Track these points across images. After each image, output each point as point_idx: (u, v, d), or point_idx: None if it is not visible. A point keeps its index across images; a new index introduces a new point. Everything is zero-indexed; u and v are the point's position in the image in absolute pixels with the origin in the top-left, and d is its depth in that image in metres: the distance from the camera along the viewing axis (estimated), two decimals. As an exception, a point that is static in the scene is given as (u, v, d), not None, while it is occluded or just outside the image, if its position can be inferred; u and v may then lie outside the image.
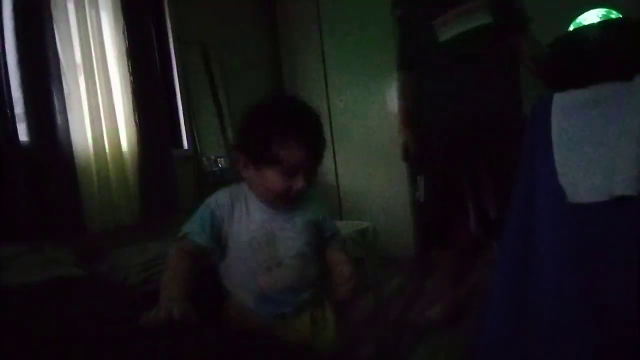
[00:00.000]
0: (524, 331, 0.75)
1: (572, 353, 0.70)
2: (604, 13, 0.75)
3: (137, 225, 1.93)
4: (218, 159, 2.40)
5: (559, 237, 0.73)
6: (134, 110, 1.98)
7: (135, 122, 1.98)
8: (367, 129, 2.74)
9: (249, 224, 0.77)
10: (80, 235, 1.66)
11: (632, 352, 0.69)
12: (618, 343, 0.70)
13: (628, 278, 0.69)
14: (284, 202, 0.76)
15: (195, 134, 2.39)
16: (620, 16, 0.76)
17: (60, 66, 1.73)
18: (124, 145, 1.95)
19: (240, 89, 2.78)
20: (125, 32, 1.98)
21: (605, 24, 0.72)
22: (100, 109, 1.85)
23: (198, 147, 2.38)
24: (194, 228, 0.77)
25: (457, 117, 1.46)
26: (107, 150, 1.86)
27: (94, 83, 1.85)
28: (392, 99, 2.64)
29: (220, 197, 0.80)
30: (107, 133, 1.87)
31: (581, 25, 0.73)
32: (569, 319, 0.72)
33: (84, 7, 1.84)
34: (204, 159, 2.36)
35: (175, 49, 2.35)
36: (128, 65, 1.98)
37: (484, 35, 1.34)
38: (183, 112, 2.35)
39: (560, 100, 0.73)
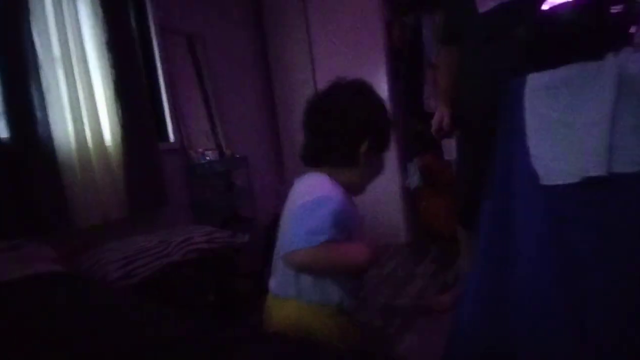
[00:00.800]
0: (500, 314, 0.75)
1: (547, 334, 0.71)
2: (577, -9, 0.74)
3: (125, 220, 1.92)
4: (206, 152, 2.37)
5: (534, 219, 0.72)
6: (116, 104, 1.94)
7: (118, 115, 1.95)
8: (356, 117, 2.72)
9: (357, 219, 0.78)
10: (65, 231, 1.65)
11: (607, 331, 0.70)
12: (593, 323, 0.70)
13: (601, 257, 0.69)
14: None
15: (182, 127, 2.36)
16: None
17: (38, 60, 1.68)
18: (108, 139, 1.93)
19: (227, 79, 2.74)
20: (105, 23, 1.93)
21: (577, 3, 0.70)
22: (81, 103, 1.82)
23: (185, 140, 2.35)
24: (332, 233, 0.69)
25: (495, 94, 1.35)
26: (90, 144, 1.83)
27: (74, 77, 1.81)
28: (380, 86, 2.63)
29: (337, 196, 0.73)
30: (90, 127, 1.84)
31: (554, 4, 0.72)
32: (544, 300, 0.72)
33: (60, -2, 1.79)
34: (191, 151, 2.34)
35: (158, 39, 2.30)
36: (109, 58, 1.94)
37: (529, 7, 1.23)
38: (168, 105, 2.32)
39: (533, 82, 0.72)
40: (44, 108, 1.67)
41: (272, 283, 0.80)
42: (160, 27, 2.31)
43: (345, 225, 0.71)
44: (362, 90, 0.81)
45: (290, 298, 0.74)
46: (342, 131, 0.74)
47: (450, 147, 2.48)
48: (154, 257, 1.16)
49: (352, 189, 0.79)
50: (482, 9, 1.34)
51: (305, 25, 2.79)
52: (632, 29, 0.68)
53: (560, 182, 0.69)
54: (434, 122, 1.65)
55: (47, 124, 1.68)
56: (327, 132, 0.75)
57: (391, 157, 2.67)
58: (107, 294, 0.89)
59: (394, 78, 2.66)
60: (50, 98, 1.70)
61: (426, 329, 1.57)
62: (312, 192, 0.72)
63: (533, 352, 0.71)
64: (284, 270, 0.74)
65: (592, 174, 0.65)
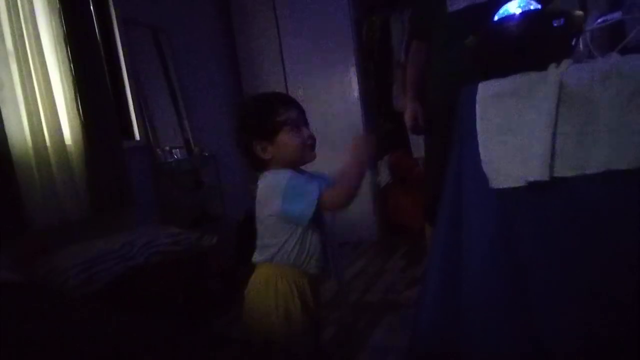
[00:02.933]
0: (455, 310, 0.80)
1: (496, 333, 0.76)
2: (524, 4, 0.78)
3: (87, 221, 1.86)
4: (173, 150, 2.32)
5: (483, 220, 0.77)
6: (76, 100, 1.87)
7: (79, 112, 1.87)
8: (326, 115, 2.73)
9: (317, 180, 0.89)
10: (20, 234, 1.57)
11: (552, 330, 0.75)
12: (539, 321, 0.75)
13: (544, 254, 0.74)
14: (308, 154, 0.90)
15: (148, 124, 2.29)
16: (539, 7, 0.79)
17: (-12, 54, 1.59)
18: (68, 137, 1.85)
19: (194, 75, 2.68)
20: (62, 15, 1.84)
21: (524, 16, 0.74)
22: (37, 100, 1.73)
23: (151, 138, 2.29)
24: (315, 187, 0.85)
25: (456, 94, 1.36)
26: (48, 143, 1.75)
27: (29, 72, 1.71)
28: (350, 85, 2.65)
29: (286, 174, 0.87)
30: (47, 125, 1.76)
31: (504, 15, 0.76)
32: (492, 295, 0.77)
33: (13, -13, 1.68)
34: (158, 149, 2.28)
35: (121, 32, 2.22)
36: (67, 52, 1.85)
37: (497, 7, 1.24)
38: (132, 101, 2.24)
39: (483, 90, 0.76)
40: (-5, 106, 1.59)
41: (254, 254, 0.92)
42: (123, 20, 2.23)
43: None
44: (243, 108, 0.94)
45: (266, 261, 0.88)
46: (242, 145, 0.90)
47: (418, 145, 2.55)
48: (116, 261, 1.13)
49: (296, 165, 0.91)
50: (453, 7, 1.37)
51: (274, 21, 2.77)
52: (573, 42, 0.73)
53: (507, 186, 0.74)
54: (408, 118, 1.67)
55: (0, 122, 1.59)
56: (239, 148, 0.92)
57: (362, 155, 2.71)
58: (64, 303, 0.86)
59: (364, 77, 2.69)
60: (3, 95, 1.62)
61: (394, 324, 1.61)
62: (277, 186, 0.85)
63: (483, 342, 0.76)
64: (262, 239, 0.89)
65: (536, 178, 0.70)
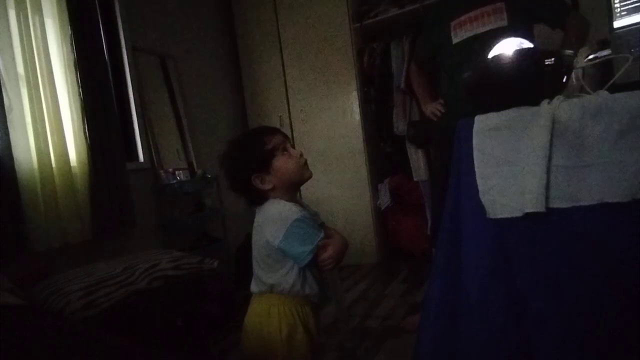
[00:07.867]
0: (454, 343, 0.80)
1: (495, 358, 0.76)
2: (518, 43, 0.82)
3: (90, 242, 1.86)
4: (176, 172, 2.35)
5: (480, 249, 0.78)
6: (83, 124, 1.91)
7: (85, 135, 1.91)
8: (327, 138, 2.78)
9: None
10: (22, 256, 1.58)
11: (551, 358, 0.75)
12: (537, 350, 0.75)
13: (541, 284, 0.75)
14: (307, 172, 0.92)
15: (152, 146, 2.33)
16: (531, 46, 0.83)
17: (0, 77, 1.64)
18: (73, 159, 1.88)
19: (200, 100, 2.74)
20: (73, 41, 1.91)
21: (517, 54, 0.78)
22: (45, 122, 1.78)
23: (155, 160, 2.32)
24: (317, 232, 0.87)
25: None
26: (53, 165, 1.78)
27: (39, 95, 1.77)
28: (352, 109, 2.71)
29: (301, 211, 0.88)
30: (54, 148, 1.79)
31: (498, 54, 0.80)
32: (492, 329, 0.77)
33: (26, 13, 1.76)
34: (161, 171, 2.30)
35: (129, 59, 2.29)
36: (76, 77, 1.91)
37: (497, 39, 1.22)
38: (138, 124, 2.29)
39: (480, 123, 0.79)
40: (5, 127, 1.63)
41: (251, 285, 0.94)
42: (132, 47, 2.30)
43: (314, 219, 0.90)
44: (231, 148, 0.93)
45: (265, 292, 0.90)
46: (239, 185, 0.91)
47: (418, 169, 2.58)
48: (118, 286, 1.13)
49: (293, 191, 0.93)
50: (457, 39, 1.48)
51: (278, 47, 2.86)
52: (564, 79, 0.77)
53: (504, 216, 0.76)
54: (432, 114, 1.70)
55: (7, 144, 1.63)
56: (237, 189, 0.93)
57: (362, 179, 2.73)
58: (65, 328, 0.86)
59: (365, 102, 2.75)
60: (12, 117, 1.66)
61: (395, 350, 1.59)
62: (281, 219, 0.86)
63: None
64: (260, 269, 0.90)
65: (532, 209, 0.72)
